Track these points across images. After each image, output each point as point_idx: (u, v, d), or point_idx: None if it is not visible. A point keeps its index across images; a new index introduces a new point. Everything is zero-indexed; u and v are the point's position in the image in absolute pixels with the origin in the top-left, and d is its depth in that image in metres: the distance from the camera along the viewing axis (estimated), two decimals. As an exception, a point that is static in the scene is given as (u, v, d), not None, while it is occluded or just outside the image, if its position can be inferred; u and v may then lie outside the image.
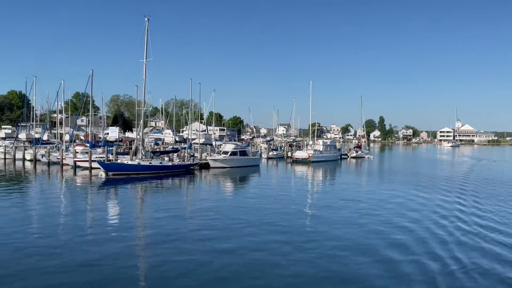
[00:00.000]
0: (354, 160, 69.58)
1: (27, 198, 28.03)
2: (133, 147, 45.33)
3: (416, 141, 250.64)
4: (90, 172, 41.69)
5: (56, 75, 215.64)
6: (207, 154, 49.67)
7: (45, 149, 51.66)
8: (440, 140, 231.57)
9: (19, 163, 52.36)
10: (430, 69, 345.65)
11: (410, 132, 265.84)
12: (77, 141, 65.64)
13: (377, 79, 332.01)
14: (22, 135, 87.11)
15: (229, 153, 47.95)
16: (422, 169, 55.54)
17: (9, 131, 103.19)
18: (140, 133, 43.40)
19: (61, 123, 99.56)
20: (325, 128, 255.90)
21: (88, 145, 48.35)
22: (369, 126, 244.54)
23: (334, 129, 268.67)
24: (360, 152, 74.14)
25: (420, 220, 20.67)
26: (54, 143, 58.22)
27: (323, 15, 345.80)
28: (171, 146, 61.71)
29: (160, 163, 41.15)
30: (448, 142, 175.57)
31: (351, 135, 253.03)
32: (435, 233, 17.80)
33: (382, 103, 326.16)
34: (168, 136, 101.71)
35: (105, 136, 79.39)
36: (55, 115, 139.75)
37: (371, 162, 67.83)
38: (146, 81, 39.39)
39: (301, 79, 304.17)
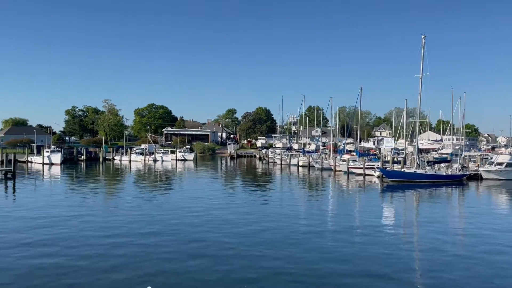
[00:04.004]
0: None
1: (315, 197, 34.65)
2: (403, 156, 48.60)
3: None
4: (364, 178, 47.15)
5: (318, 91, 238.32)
6: (478, 165, 48.33)
7: (316, 157, 60.85)
8: None
9: (293, 168, 63.25)
10: None
11: None
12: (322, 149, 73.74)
13: None
14: (279, 145, 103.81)
15: (504, 165, 45.39)
16: None
17: (264, 141, 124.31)
18: (416, 143, 46.39)
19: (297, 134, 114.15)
20: None
21: (355, 153, 54.51)
22: None
23: None
24: None
25: None
26: (318, 152, 67.71)
27: None
28: (436, 156, 62.07)
29: (435, 172, 42.94)
30: None
31: None
32: None
33: None
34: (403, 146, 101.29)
35: (343, 145, 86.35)
36: (292, 127, 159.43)
37: None
38: (422, 94, 42.10)
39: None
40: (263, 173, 57.93)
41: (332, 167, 55.07)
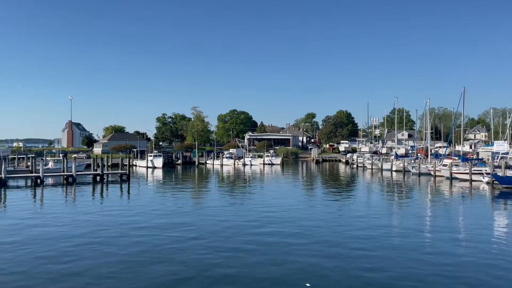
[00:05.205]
0: None
1: (423, 204, 32.73)
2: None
3: None
4: (471, 184, 43.95)
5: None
6: None
7: (412, 161, 58.17)
8: None
9: (386, 173, 60.88)
10: None
11: None
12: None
13: None
14: (365, 149, 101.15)
15: None
16: None
17: (347, 145, 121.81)
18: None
19: (379, 137, 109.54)
20: None
21: (456, 158, 51.18)
22: None
23: None
24: None
25: None
26: (413, 156, 64.67)
27: None
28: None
29: (558, 178, 38.73)
30: None
31: None
32: None
33: None
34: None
35: (445, 149, 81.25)
36: (375, 130, 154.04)
37: None
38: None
39: None
40: (356, 178, 56.63)
41: (432, 172, 52.22)
